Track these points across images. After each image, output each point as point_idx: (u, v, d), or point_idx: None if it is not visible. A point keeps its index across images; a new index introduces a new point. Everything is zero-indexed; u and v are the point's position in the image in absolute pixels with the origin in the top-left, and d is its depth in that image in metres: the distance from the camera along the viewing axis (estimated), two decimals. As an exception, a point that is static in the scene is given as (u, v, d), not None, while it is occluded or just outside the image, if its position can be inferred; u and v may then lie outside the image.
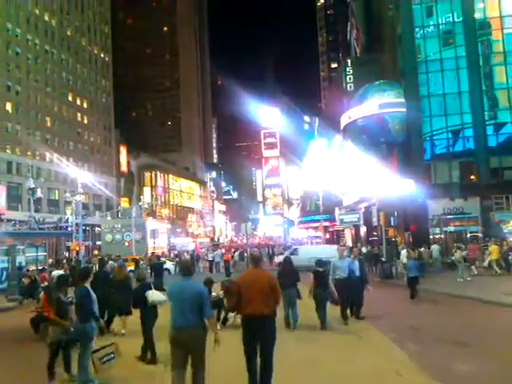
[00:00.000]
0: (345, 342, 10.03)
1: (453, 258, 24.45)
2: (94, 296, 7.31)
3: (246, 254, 43.15)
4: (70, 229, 44.01)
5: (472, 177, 35.43)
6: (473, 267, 23.67)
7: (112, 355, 7.52)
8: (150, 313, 8.96)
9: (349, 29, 61.10)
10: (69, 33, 71.60)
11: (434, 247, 27.94)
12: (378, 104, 35.87)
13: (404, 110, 35.48)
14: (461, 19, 35.67)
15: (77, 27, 73.78)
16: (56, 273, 16.99)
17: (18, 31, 60.98)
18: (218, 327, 11.64)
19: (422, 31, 36.65)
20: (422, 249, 26.16)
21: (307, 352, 9.15)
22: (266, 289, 6.37)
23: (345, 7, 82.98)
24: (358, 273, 12.62)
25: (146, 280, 9.83)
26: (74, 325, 7.20)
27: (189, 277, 6.32)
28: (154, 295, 8.99)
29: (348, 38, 64.13)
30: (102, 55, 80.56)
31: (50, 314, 7.03)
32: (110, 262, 30.55)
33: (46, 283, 16.76)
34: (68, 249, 44.85)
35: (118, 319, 11.44)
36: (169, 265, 33.10)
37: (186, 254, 42.31)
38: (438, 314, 13.63)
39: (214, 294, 12.22)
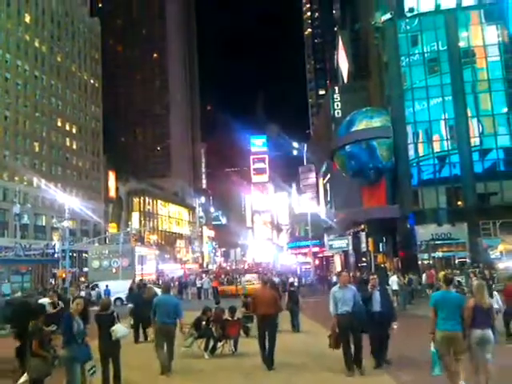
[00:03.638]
0: (331, 371, 9.82)
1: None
2: (79, 322, 7.38)
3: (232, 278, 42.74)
4: (56, 255, 43.32)
5: (459, 202, 35.72)
6: (430, 291, 24.28)
7: (95, 368, 7.65)
8: (109, 344, 8.25)
9: (336, 56, 62.17)
10: (59, 59, 71.89)
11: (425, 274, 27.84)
12: (366, 130, 36.24)
13: (391, 136, 35.87)
14: (445, 48, 36.51)
15: (67, 53, 74.13)
16: (43, 301, 16.64)
17: (8, 57, 61.14)
18: (207, 356, 11.52)
19: (407, 59, 37.41)
20: (412, 276, 26.08)
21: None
22: (271, 299, 10.31)
23: (332, 36, 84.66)
24: (377, 307, 9.94)
25: (109, 309, 8.65)
26: (61, 352, 7.08)
27: (168, 293, 10.75)
28: (118, 332, 8.21)
29: (335, 65, 65.22)
30: (92, 81, 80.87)
31: (33, 346, 6.72)
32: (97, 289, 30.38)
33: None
34: (54, 276, 44.12)
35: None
36: (157, 290, 32.71)
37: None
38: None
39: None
